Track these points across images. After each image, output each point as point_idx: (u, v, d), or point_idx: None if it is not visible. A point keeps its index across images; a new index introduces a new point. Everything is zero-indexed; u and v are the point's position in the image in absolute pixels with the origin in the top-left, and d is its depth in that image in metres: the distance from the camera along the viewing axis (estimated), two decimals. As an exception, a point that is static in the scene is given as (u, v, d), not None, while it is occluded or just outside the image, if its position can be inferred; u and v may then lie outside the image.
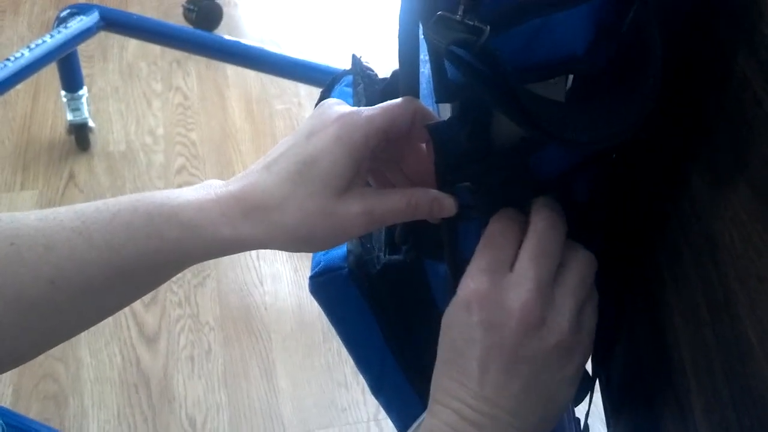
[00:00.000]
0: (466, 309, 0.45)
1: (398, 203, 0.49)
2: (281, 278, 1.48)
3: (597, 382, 0.60)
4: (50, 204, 1.59)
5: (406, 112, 0.50)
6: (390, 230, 0.63)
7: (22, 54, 1.36)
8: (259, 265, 1.50)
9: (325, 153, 0.47)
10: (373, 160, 0.51)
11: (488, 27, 0.41)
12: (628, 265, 0.54)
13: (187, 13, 2.07)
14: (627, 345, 0.55)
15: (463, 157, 0.50)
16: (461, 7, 0.42)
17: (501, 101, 0.43)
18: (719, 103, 0.42)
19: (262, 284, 1.47)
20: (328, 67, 1.51)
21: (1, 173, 1.65)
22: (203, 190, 0.48)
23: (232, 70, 1.94)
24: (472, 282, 0.46)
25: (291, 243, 0.48)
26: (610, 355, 0.58)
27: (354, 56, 0.86)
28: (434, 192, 0.50)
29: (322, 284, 0.65)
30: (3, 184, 1.63)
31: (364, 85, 0.82)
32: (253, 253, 1.53)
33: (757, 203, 0.37)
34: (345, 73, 0.85)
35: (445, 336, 0.47)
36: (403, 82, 0.51)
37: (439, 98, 0.49)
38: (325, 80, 0.88)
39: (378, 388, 0.71)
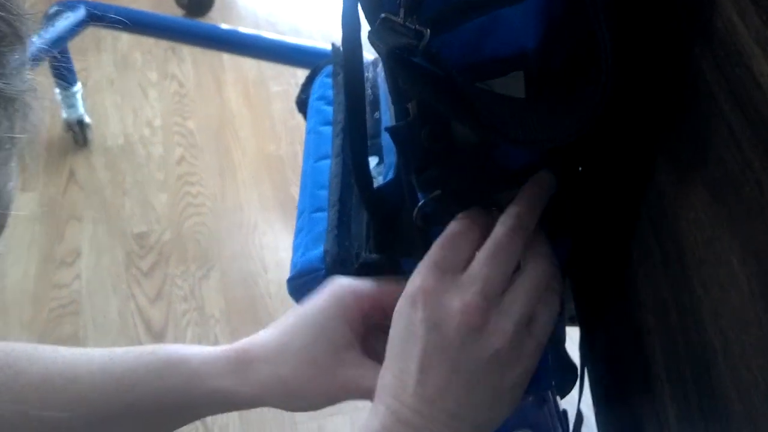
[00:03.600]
0: (411, 305, 0.45)
1: None
2: (285, 265, 1.47)
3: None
4: (52, 204, 1.59)
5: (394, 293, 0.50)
6: (368, 228, 0.62)
7: (9, 56, 1.34)
8: (263, 254, 1.50)
9: (319, 309, 0.51)
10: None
11: (428, 30, 0.39)
12: (602, 259, 0.52)
13: (179, -2, 2.05)
14: (606, 342, 0.53)
15: (427, 158, 0.48)
16: (402, 10, 0.41)
17: (447, 104, 0.41)
18: (678, 97, 0.40)
19: (266, 272, 1.47)
20: (325, 50, 1.48)
21: (1, 175, 1.65)
22: (216, 348, 0.52)
23: (228, 54, 1.91)
24: (420, 278, 0.46)
25: (286, 397, 0.50)
26: (593, 349, 0.56)
27: (333, 45, 0.84)
28: None
29: (301, 286, 0.64)
30: (4, 186, 1.63)
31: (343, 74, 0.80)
32: (257, 240, 1.52)
33: (716, 207, 0.35)
34: (326, 63, 0.84)
35: (392, 329, 0.47)
36: (347, 84, 0.50)
37: (394, 100, 0.48)
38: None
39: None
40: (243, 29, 1.66)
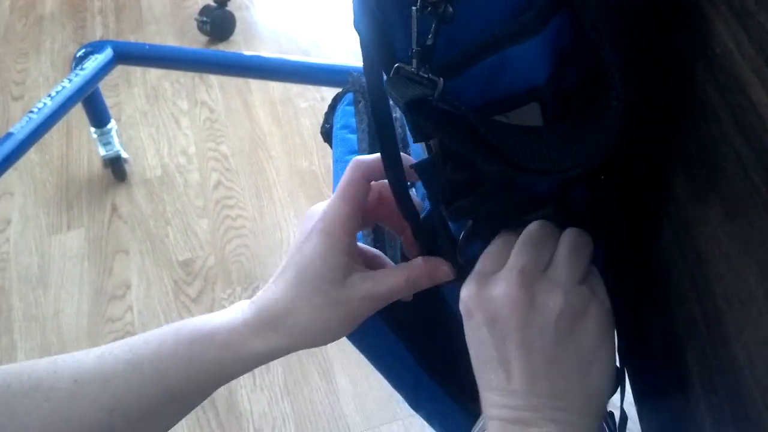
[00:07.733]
0: (467, 315, 0.48)
1: (397, 282, 0.53)
2: (328, 280, 1.50)
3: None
4: (98, 240, 1.64)
5: (358, 183, 0.54)
6: (402, 253, 0.64)
7: (45, 104, 1.39)
8: (305, 270, 1.53)
9: (315, 253, 0.52)
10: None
11: (442, 79, 0.41)
12: (633, 267, 0.54)
13: (201, 25, 2.09)
14: (644, 348, 0.54)
15: (453, 189, 0.50)
16: (414, 61, 0.42)
17: (464, 143, 0.43)
18: (687, 118, 0.41)
19: (310, 288, 1.50)
20: (348, 66, 1.50)
21: (47, 216, 1.71)
22: (233, 313, 0.54)
23: (253, 76, 1.95)
24: (465, 290, 0.49)
25: (312, 339, 0.53)
26: (631, 353, 0.57)
27: (352, 75, 0.86)
28: (430, 262, 0.54)
29: None
30: (51, 226, 1.68)
31: (365, 102, 0.82)
32: (298, 257, 1.55)
33: (731, 226, 0.36)
34: (345, 91, 0.86)
35: (469, 347, 0.49)
36: (378, 128, 0.51)
37: (415, 139, 0.50)
38: (346, 80, 0.88)
39: (416, 403, 0.73)
40: (266, 54, 1.69)
